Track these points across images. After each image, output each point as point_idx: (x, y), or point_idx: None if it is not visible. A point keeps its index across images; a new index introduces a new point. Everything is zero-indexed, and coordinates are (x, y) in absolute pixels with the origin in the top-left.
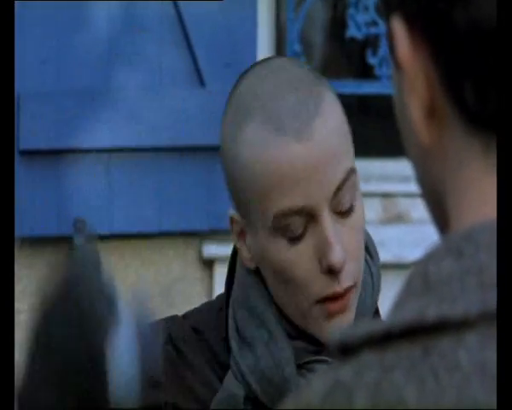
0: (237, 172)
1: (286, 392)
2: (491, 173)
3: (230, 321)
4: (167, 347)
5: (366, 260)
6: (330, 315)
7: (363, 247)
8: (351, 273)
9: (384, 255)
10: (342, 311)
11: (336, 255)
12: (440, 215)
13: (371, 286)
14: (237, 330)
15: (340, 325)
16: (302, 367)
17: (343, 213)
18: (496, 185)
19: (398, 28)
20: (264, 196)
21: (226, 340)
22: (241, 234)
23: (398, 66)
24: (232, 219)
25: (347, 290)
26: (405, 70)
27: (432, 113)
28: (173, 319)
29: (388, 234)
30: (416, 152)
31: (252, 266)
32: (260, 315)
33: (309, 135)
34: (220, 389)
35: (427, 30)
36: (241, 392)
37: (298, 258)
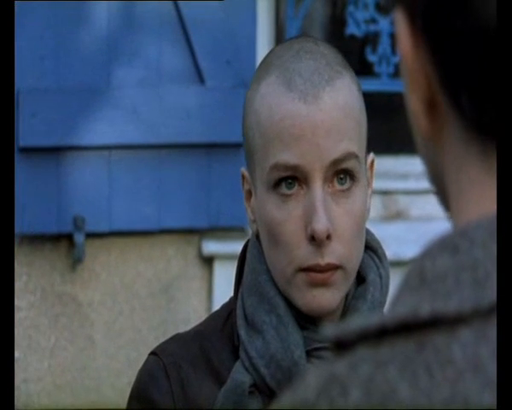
0: (249, 120)
1: (294, 376)
2: (488, 174)
3: (239, 311)
4: (173, 370)
5: (375, 263)
6: (312, 285)
7: (359, 237)
8: (336, 253)
9: None
10: (325, 284)
11: (320, 222)
12: (446, 204)
13: (380, 285)
14: (246, 318)
15: (323, 299)
16: (310, 354)
17: (338, 193)
18: (494, 186)
19: (400, 22)
20: (265, 145)
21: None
22: (249, 194)
23: (400, 58)
24: (243, 176)
25: (330, 268)
26: (406, 63)
27: (432, 106)
28: (177, 340)
29: (388, 231)
30: (422, 145)
31: (254, 228)
32: (270, 300)
33: (315, 99)
34: (228, 379)
35: (426, 29)
36: (247, 379)
37: (286, 217)
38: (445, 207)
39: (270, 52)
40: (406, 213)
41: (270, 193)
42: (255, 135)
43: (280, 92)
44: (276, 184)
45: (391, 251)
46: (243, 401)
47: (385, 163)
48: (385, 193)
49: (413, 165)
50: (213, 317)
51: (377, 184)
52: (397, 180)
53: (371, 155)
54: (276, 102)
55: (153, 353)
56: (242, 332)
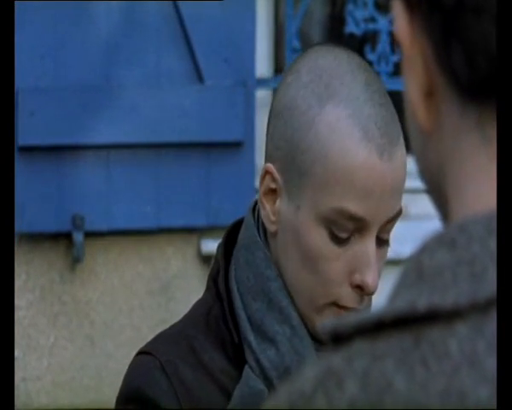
0: (308, 139)
1: None
2: (486, 146)
3: (240, 312)
4: (171, 368)
5: None
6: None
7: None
8: (372, 295)
9: None
10: None
11: (374, 278)
12: (441, 205)
13: None
14: (250, 321)
15: None
16: None
17: (380, 244)
18: (492, 158)
19: (397, 7)
20: (330, 182)
21: (231, 342)
22: (272, 192)
23: (398, 45)
24: (267, 172)
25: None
26: (403, 47)
27: (430, 93)
28: (165, 339)
29: None
30: (418, 140)
31: (272, 228)
32: (283, 310)
33: (390, 157)
34: (240, 383)
35: (420, 7)
36: (265, 388)
37: (334, 257)
38: (438, 203)
39: (321, 62)
40: (406, 211)
41: (320, 227)
42: (317, 162)
43: (355, 137)
44: (331, 223)
45: (390, 250)
46: None
47: None
48: None
49: (413, 163)
50: (191, 317)
51: None
52: None
53: None
54: (351, 146)
55: (144, 352)
56: (251, 339)
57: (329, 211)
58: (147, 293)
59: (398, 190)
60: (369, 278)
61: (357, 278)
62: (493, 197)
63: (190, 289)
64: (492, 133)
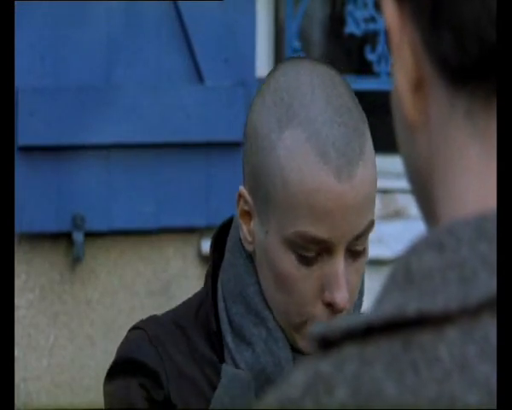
0: (269, 163)
1: None
2: (476, 140)
3: (222, 314)
4: (158, 342)
5: None
6: None
7: (360, 286)
8: (347, 310)
9: (382, 252)
10: None
11: (342, 296)
12: (427, 205)
13: (361, 294)
14: (231, 323)
15: None
16: None
17: (354, 256)
18: (482, 153)
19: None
20: (291, 207)
21: (216, 333)
22: (246, 214)
23: (387, 34)
24: (240, 196)
25: None
26: (392, 37)
27: (418, 86)
28: (156, 321)
29: (387, 230)
30: (405, 136)
31: (249, 248)
32: (259, 313)
33: (349, 177)
34: (221, 379)
35: None
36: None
37: (303, 278)
38: (423, 204)
39: (284, 82)
40: (405, 211)
41: (287, 250)
42: (278, 187)
43: (312, 161)
44: (296, 246)
45: (390, 250)
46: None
47: (384, 162)
48: (384, 192)
49: None
50: (185, 306)
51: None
52: (396, 179)
53: None
54: (308, 170)
55: (134, 328)
56: (229, 340)
57: (293, 235)
58: (147, 293)
59: (364, 207)
60: (337, 297)
61: (328, 296)
62: (482, 196)
63: (190, 289)
64: (483, 125)
